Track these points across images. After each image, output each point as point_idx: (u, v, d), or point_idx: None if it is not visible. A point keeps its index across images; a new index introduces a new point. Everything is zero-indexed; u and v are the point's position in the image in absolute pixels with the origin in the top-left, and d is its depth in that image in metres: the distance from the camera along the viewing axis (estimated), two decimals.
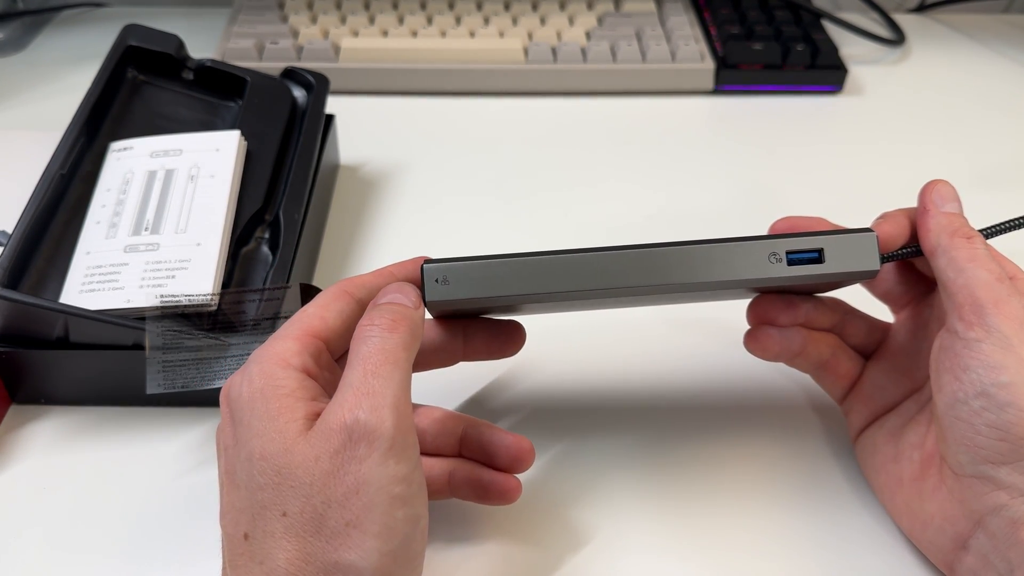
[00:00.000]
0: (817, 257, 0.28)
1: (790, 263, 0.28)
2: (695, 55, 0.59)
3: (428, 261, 0.28)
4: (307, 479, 0.24)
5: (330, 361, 0.28)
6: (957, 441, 0.28)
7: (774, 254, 0.28)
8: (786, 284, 0.29)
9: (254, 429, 0.25)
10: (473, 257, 0.28)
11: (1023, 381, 0.26)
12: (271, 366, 0.26)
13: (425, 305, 0.28)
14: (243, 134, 0.42)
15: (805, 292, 0.33)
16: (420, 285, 0.28)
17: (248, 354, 0.34)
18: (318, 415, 0.25)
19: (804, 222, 0.32)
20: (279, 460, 0.24)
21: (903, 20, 0.67)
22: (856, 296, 0.35)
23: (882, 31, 0.65)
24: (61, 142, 0.40)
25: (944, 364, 0.28)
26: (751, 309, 0.34)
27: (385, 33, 0.59)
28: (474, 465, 0.32)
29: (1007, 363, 0.26)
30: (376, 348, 0.25)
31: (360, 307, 0.28)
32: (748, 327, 0.34)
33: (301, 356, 0.26)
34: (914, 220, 0.31)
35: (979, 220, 0.32)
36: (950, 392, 0.28)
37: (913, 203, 0.32)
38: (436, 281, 0.28)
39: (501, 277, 0.28)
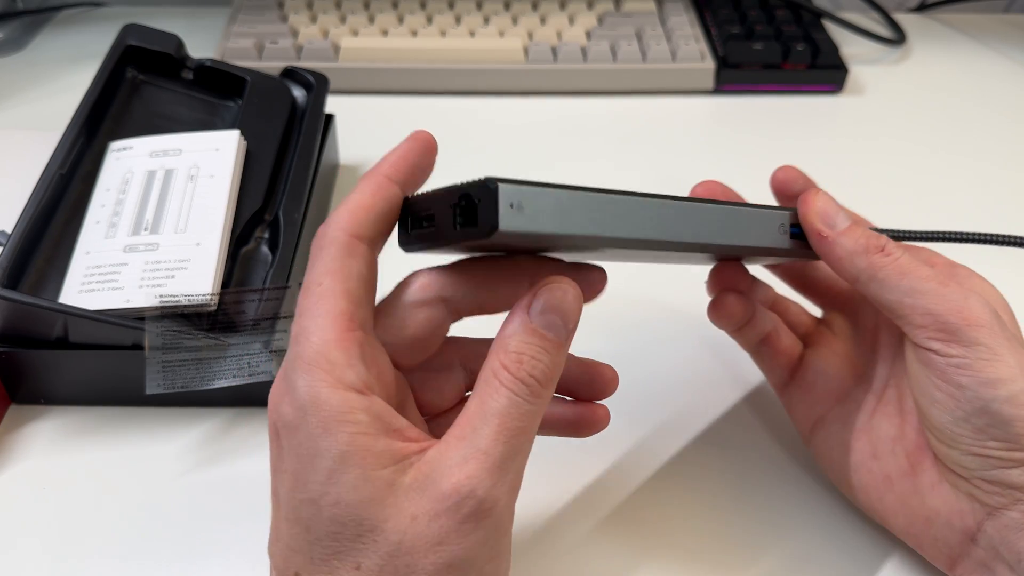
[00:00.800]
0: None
1: (792, 236, 0.29)
2: (695, 55, 0.59)
3: (496, 180, 0.22)
4: (395, 538, 0.21)
5: (374, 346, 0.24)
6: (964, 452, 0.27)
7: (782, 225, 0.29)
8: (775, 254, 0.29)
9: (319, 469, 0.22)
10: (557, 184, 0.24)
11: (1021, 389, 0.26)
12: (324, 389, 0.22)
13: (488, 235, 0.23)
14: (243, 134, 0.42)
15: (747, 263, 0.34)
16: (458, 199, 0.23)
17: (247, 354, 0.34)
18: (403, 456, 0.22)
19: (721, 189, 0.34)
20: (363, 511, 0.21)
21: (904, 20, 0.67)
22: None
23: (883, 31, 0.65)
24: (60, 142, 0.40)
25: (932, 383, 0.27)
26: (715, 277, 0.33)
27: (385, 33, 0.59)
28: (554, 400, 0.29)
29: (1001, 375, 0.26)
30: (516, 414, 0.23)
31: (396, 199, 0.25)
32: (705, 302, 0.34)
33: (354, 368, 0.23)
34: None
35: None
36: (948, 409, 0.27)
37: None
38: (511, 207, 0.22)
39: (596, 214, 0.24)
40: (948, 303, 0.27)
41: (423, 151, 0.27)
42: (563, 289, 0.24)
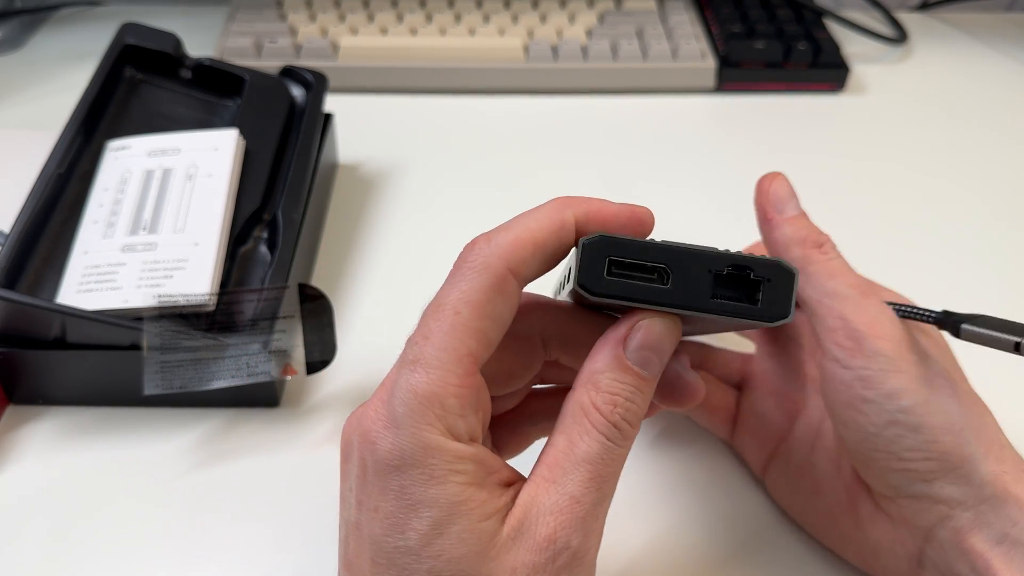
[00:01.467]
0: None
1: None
2: (696, 53, 0.58)
3: (788, 264, 0.22)
4: None
5: (483, 385, 0.23)
6: (883, 469, 0.27)
7: None
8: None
9: (423, 518, 0.21)
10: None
11: (924, 399, 0.26)
12: (436, 437, 0.21)
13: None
14: (241, 133, 0.42)
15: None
16: (725, 268, 0.21)
17: (246, 354, 0.34)
18: (504, 505, 0.22)
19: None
20: (467, 565, 0.21)
21: (905, 18, 0.66)
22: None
23: (884, 29, 0.64)
24: (58, 141, 0.40)
25: (840, 398, 0.27)
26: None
27: (384, 31, 0.59)
28: None
29: (902, 386, 0.26)
30: (608, 459, 0.22)
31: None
32: None
33: (466, 420, 0.22)
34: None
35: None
36: (858, 427, 0.27)
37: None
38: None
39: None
40: (862, 313, 0.26)
41: (632, 221, 0.23)
42: (664, 325, 0.22)
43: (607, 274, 0.22)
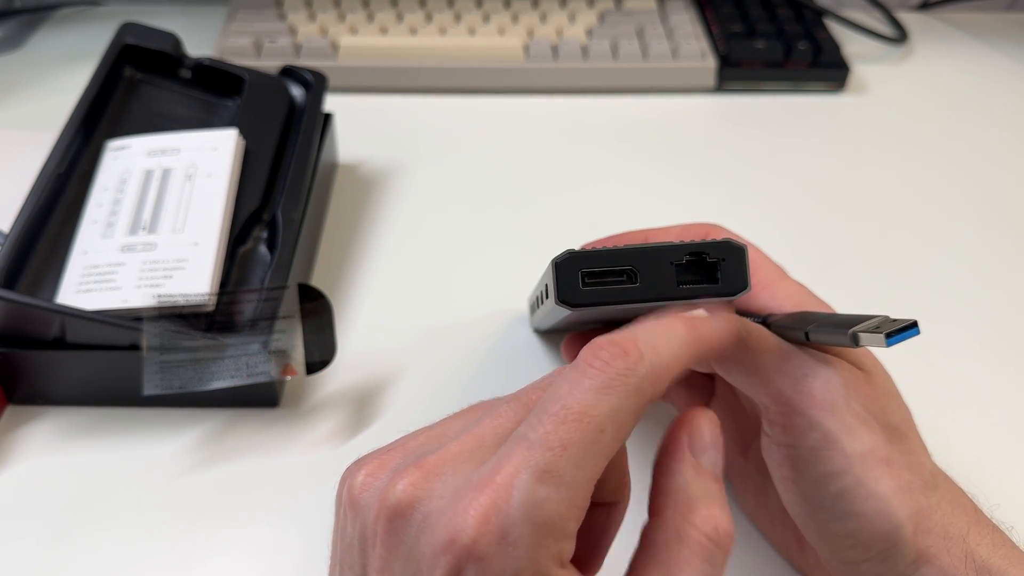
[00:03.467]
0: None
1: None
2: (696, 53, 0.58)
3: (740, 243, 0.24)
4: None
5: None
6: (816, 543, 0.27)
7: None
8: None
9: None
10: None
11: (860, 479, 0.24)
12: (553, 568, 0.19)
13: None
14: (241, 133, 0.42)
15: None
16: (684, 256, 0.24)
17: (245, 355, 0.34)
18: None
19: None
20: None
21: (906, 18, 0.66)
22: None
23: (885, 29, 0.64)
24: (58, 141, 0.40)
25: (776, 472, 0.26)
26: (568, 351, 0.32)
27: (384, 31, 0.59)
28: None
29: (835, 468, 0.24)
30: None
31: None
32: None
33: (572, 542, 0.20)
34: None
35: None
36: (793, 504, 0.26)
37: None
38: None
39: None
40: (793, 378, 0.25)
41: (726, 336, 0.23)
42: (712, 419, 0.22)
43: (583, 285, 0.24)
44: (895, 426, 0.26)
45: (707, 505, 0.21)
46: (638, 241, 0.31)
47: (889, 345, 0.21)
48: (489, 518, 0.18)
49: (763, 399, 0.26)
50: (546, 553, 0.19)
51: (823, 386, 0.25)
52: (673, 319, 0.22)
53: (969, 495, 0.27)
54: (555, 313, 0.27)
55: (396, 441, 0.23)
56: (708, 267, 0.24)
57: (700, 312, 0.23)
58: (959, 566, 0.25)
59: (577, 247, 0.25)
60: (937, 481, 0.26)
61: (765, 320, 0.27)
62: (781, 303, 0.28)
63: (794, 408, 0.25)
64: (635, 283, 0.24)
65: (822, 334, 0.24)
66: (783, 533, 0.31)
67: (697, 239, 0.25)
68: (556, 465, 0.19)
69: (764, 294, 0.28)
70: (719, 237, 0.25)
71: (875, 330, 0.22)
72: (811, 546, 0.28)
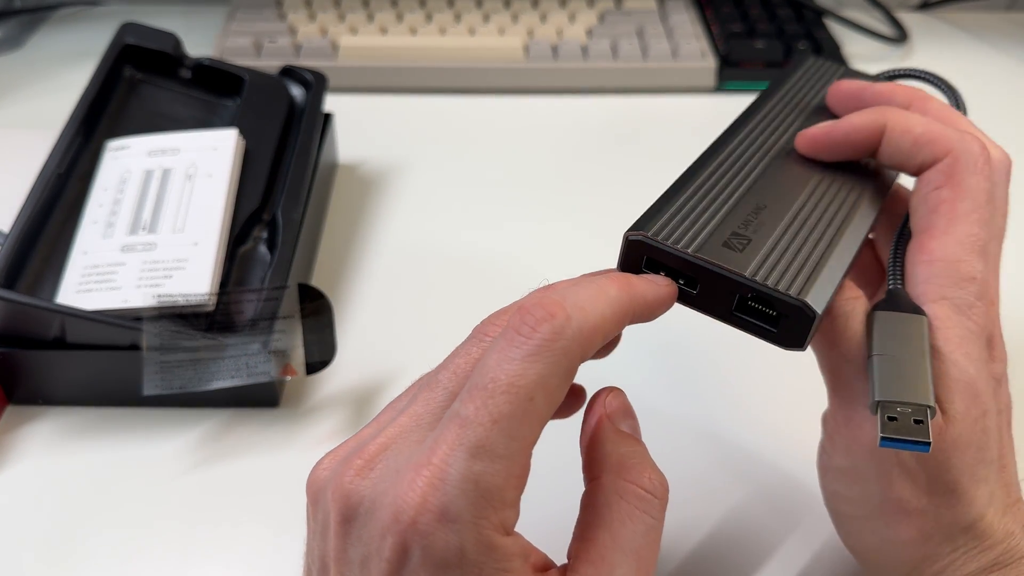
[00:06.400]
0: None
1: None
2: (696, 53, 0.58)
3: (812, 307, 0.23)
4: None
5: None
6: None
7: None
8: None
9: None
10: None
11: (880, 526, 0.25)
12: (496, 537, 0.20)
13: None
14: (241, 133, 0.42)
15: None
16: (749, 294, 0.23)
17: (245, 355, 0.34)
18: None
19: None
20: None
21: (906, 18, 0.66)
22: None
23: (885, 29, 0.64)
24: (58, 141, 0.40)
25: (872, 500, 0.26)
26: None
27: (384, 31, 0.59)
28: None
29: (868, 507, 0.26)
30: (653, 538, 0.22)
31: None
32: None
33: (516, 509, 0.21)
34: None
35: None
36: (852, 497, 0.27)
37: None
38: None
39: None
40: (960, 139, 0.25)
41: (664, 302, 0.24)
42: (620, 393, 0.24)
43: (642, 269, 0.24)
44: (950, 481, 0.24)
45: (638, 463, 0.22)
46: None
47: (881, 445, 0.21)
48: (428, 497, 0.19)
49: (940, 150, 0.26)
50: (488, 524, 0.19)
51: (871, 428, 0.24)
52: (606, 279, 0.22)
53: None
54: None
55: (356, 433, 0.23)
56: (770, 317, 0.23)
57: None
58: None
59: (649, 232, 0.24)
60: (978, 527, 0.25)
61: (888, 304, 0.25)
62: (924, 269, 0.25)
63: (843, 438, 0.25)
64: (693, 290, 0.24)
65: (871, 370, 0.23)
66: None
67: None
68: (488, 439, 0.19)
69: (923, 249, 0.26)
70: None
71: (893, 417, 0.22)
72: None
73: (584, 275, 0.24)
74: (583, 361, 0.21)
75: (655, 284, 0.24)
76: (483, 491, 0.19)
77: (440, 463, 0.19)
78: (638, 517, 0.21)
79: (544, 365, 0.20)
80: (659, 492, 0.22)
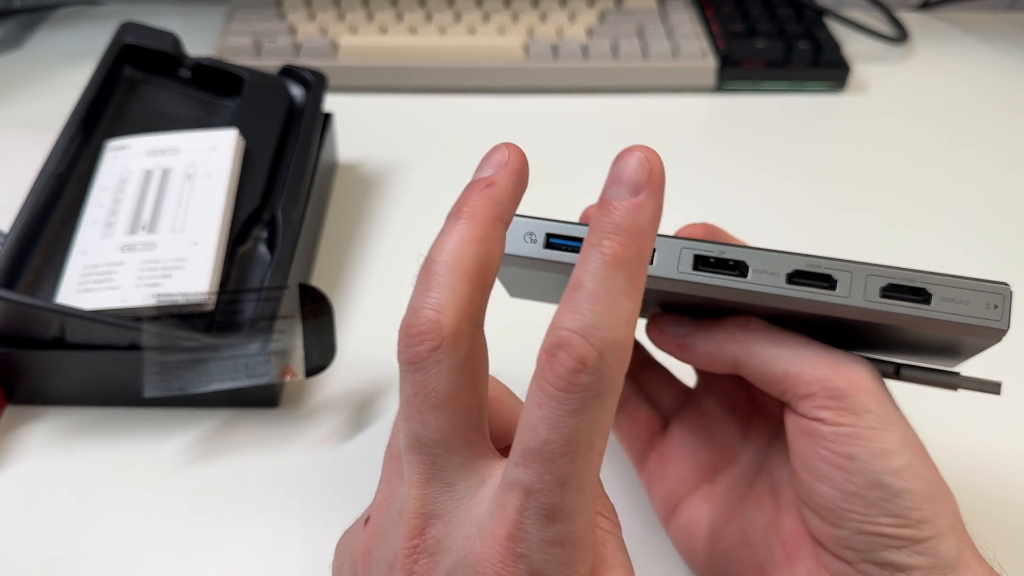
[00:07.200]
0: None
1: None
2: (697, 52, 0.58)
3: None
4: None
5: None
6: (852, 530, 0.26)
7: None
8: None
9: None
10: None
11: (913, 462, 0.25)
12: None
13: None
14: (240, 132, 0.42)
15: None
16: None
17: (245, 355, 0.34)
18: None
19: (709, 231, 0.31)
20: None
21: (907, 18, 0.66)
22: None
23: (885, 29, 0.64)
24: (57, 141, 0.40)
25: (819, 455, 0.26)
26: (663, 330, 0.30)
27: (384, 30, 0.59)
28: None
29: (891, 446, 0.25)
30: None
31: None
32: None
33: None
34: None
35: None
36: (837, 484, 0.25)
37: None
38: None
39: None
40: (835, 366, 0.25)
41: (523, 179, 0.24)
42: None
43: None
44: None
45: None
46: None
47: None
48: (518, 571, 0.18)
49: (804, 388, 0.26)
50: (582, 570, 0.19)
51: (865, 372, 0.26)
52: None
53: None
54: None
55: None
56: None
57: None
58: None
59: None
60: (962, 521, 0.26)
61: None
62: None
63: (845, 389, 0.25)
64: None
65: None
66: (743, 562, 0.29)
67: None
68: (560, 503, 0.18)
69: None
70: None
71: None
72: (778, 572, 0.28)
73: (449, 218, 0.23)
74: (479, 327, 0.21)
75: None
76: (567, 554, 0.19)
77: (513, 534, 0.19)
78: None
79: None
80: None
